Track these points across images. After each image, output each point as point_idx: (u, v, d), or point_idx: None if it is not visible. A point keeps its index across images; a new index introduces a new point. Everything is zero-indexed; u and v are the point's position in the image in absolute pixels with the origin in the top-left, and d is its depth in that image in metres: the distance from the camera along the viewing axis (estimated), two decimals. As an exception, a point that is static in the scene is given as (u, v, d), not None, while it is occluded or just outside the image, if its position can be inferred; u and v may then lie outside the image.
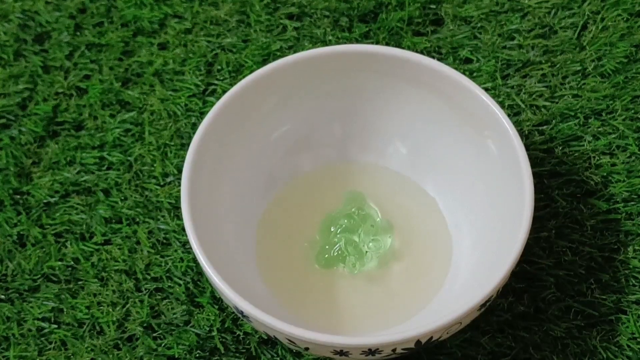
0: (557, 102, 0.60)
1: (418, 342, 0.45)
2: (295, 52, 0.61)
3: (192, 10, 0.66)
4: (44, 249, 0.56)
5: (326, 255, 0.54)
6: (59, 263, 0.56)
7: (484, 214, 0.53)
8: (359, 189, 0.56)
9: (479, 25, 0.63)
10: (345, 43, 0.63)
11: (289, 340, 0.45)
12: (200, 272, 0.55)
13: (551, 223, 0.55)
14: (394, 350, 0.45)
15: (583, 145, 0.58)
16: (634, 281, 0.53)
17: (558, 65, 0.61)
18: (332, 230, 0.54)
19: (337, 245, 0.53)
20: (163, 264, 0.55)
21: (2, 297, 0.55)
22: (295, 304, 0.53)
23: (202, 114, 0.61)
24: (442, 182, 0.56)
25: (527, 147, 0.50)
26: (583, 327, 0.52)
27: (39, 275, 0.56)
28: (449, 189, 0.56)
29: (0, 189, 0.59)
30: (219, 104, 0.52)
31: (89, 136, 0.61)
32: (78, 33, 0.66)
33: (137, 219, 0.57)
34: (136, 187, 0.59)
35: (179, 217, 0.57)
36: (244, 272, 0.52)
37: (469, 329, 0.51)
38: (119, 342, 0.53)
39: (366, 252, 0.54)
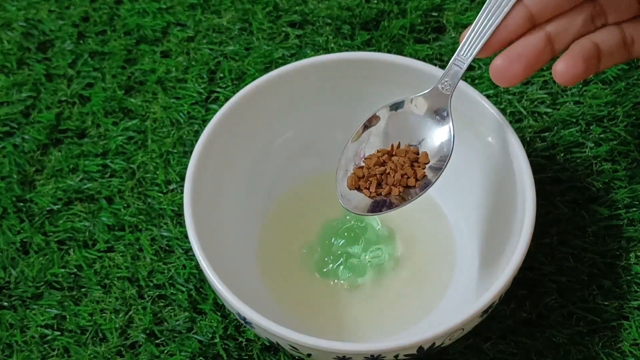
0: (558, 109, 0.60)
1: (420, 348, 0.45)
2: (297, 59, 0.61)
3: (194, 18, 0.67)
4: (47, 256, 0.57)
5: (324, 270, 0.54)
6: (62, 270, 0.56)
7: (486, 220, 0.53)
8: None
9: (480, 32, 0.64)
10: (347, 51, 0.64)
11: (292, 347, 0.45)
12: (202, 279, 0.55)
13: (553, 229, 0.55)
14: (396, 356, 0.45)
15: (585, 152, 0.58)
16: (636, 287, 0.53)
17: (559, 72, 0.61)
18: (333, 242, 0.54)
19: (339, 260, 0.54)
20: (166, 271, 0.55)
21: (5, 304, 0.55)
22: (298, 311, 0.53)
23: (205, 122, 0.61)
24: (444, 188, 0.56)
25: (529, 154, 0.50)
26: (585, 333, 0.52)
27: (42, 283, 0.56)
28: (451, 195, 0.56)
29: (4, 196, 0.59)
30: (221, 112, 0.52)
31: (92, 144, 0.61)
32: (81, 41, 0.66)
33: (140, 226, 0.57)
34: (139, 195, 0.59)
35: (182, 224, 0.57)
36: (246, 279, 0.52)
37: (471, 335, 0.51)
38: (122, 349, 0.53)
39: (368, 262, 0.54)
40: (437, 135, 0.48)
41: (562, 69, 0.45)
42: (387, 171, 0.48)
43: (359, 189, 0.48)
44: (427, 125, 0.49)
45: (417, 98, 0.48)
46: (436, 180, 0.47)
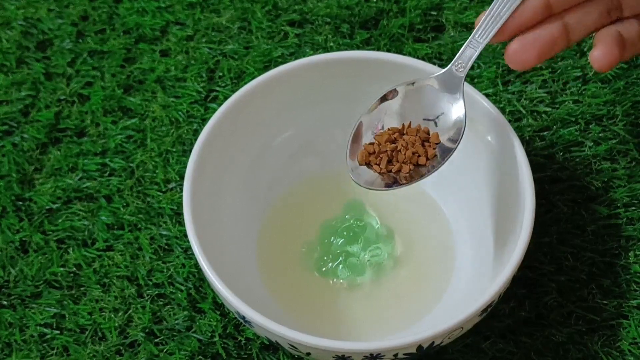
0: (557, 108, 0.60)
1: (420, 347, 0.45)
2: (296, 58, 0.61)
3: (193, 17, 0.67)
4: (46, 255, 0.57)
5: (323, 269, 0.54)
6: (61, 269, 0.56)
7: (486, 219, 0.53)
8: (361, 195, 0.56)
9: (479, 31, 0.64)
10: (346, 50, 0.64)
11: (291, 346, 0.45)
12: (202, 278, 0.55)
13: (552, 228, 0.55)
14: (395, 355, 0.45)
15: (584, 151, 0.58)
16: (635, 286, 0.53)
17: (559, 71, 0.62)
18: (332, 241, 0.54)
19: (338, 259, 0.54)
20: (165, 270, 0.55)
21: (5, 303, 0.55)
22: (297, 310, 0.53)
23: (204, 121, 0.61)
24: (443, 187, 0.56)
25: (528, 153, 0.50)
26: (585, 332, 0.52)
27: (41, 282, 0.56)
28: (451, 194, 0.56)
29: (3, 195, 0.59)
30: (220, 111, 0.52)
31: (91, 143, 0.61)
32: (80, 40, 0.66)
33: (139, 225, 0.57)
34: (138, 194, 0.59)
35: (181, 223, 0.57)
36: (245, 278, 0.52)
37: (470, 334, 0.51)
38: (121, 347, 0.53)
39: (367, 261, 0.54)
40: (450, 113, 0.48)
41: (599, 55, 0.45)
42: (398, 148, 0.48)
43: (369, 164, 0.48)
44: (441, 102, 0.49)
45: (431, 79, 0.49)
46: (449, 157, 0.48)
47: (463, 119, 0.48)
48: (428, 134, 0.48)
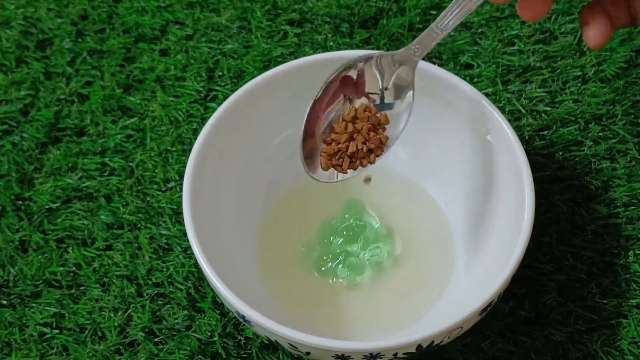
0: (557, 107, 0.60)
1: (419, 346, 0.45)
2: (296, 58, 0.61)
3: (193, 16, 0.67)
4: (45, 255, 0.57)
5: (323, 269, 0.54)
6: (61, 269, 0.56)
7: (485, 218, 0.53)
8: (360, 195, 0.56)
9: (479, 30, 0.64)
10: (346, 49, 0.64)
11: (291, 345, 0.45)
12: (201, 277, 0.55)
13: (552, 228, 0.55)
14: (395, 354, 0.45)
15: (583, 150, 0.58)
16: (634, 285, 0.53)
17: (558, 71, 0.62)
18: (332, 240, 0.54)
19: (338, 259, 0.54)
20: (164, 270, 0.55)
21: (4, 302, 0.55)
22: (297, 309, 0.53)
23: (204, 120, 0.61)
24: (443, 187, 0.56)
25: (528, 152, 0.50)
26: (584, 331, 0.52)
27: (41, 281, 0.56)
28: (450, 194, 0.56)
29: (2, 195, 0.59)
30: (220, 110, 0.52)
31: (91, 142, 0.61)
32: (80, 39, 0.66)
33: (139, 225, 0.57)
34: (138, 193, 0.59)
35: (181, 223, 0.57)
36: (245, 277, 0.52)
37: (470, 333, 0.51)
38: (121, 347, 0.53)
39: (367, 260, 0.54)
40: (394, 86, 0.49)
41: (594, 34, 0.46)
42: (357, 148, 0.49)
43: (334, 167, 0.49)
44: (388, 76, 0.49)
45: (384, 57, 0.49)
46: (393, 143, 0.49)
47: (407, 109, 0.49)
48: (377, 114, 0.49)
